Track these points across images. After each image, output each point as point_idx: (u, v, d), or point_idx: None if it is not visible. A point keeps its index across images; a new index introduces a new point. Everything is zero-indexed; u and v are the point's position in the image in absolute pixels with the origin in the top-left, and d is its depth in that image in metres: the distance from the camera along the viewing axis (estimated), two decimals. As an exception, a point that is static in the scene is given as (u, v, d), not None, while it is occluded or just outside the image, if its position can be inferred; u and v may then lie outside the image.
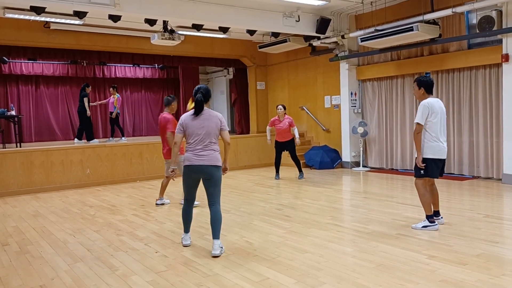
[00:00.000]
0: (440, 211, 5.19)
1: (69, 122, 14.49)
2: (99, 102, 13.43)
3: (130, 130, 15.77)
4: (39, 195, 8.32)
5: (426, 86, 4.90)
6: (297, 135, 9.17)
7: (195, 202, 7.03)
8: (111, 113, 12.13)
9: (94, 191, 8.62)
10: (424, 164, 4.81)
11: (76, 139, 11.39)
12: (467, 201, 6.54)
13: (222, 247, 4.33)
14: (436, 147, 4.80)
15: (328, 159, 10.71)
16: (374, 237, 4.70)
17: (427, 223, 4.93)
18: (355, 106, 10.63)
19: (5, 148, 9.54)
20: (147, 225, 5.63)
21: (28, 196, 8.30)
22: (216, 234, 4.31)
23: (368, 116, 10.59)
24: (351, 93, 10.62)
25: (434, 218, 4.99)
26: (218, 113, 4.43)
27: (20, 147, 9.82)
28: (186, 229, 4.67)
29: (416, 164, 4.89)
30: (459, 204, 6.25)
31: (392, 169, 10.06)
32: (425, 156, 4.81)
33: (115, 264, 4.11)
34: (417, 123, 4.78)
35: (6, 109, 10.85)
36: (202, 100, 4.30)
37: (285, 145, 9.26)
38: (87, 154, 9.30)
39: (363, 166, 10.53)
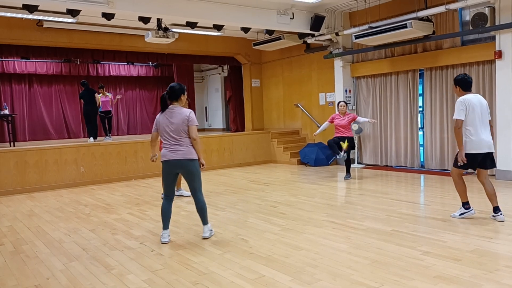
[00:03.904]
0: (434, 207, 5.23)
1: (63, 121, 14.45)
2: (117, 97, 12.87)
3: (125, 129, 15.75)
4: (33, 195, 8.28)
5: (461, 83, 5.06)
6: (366, 119, 8.97)
7: (186, 193, 7.11)
8: (108, 112, 11.82)
9: (88, 190, 8.59)
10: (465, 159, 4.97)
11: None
12: (461, 197, 6.57)
13: (211, 230, 4.82)
14: (474, 142, 4.94)
15: (323, 156, 10.74)
16: (369, 234, 4.72)
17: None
18: (349, 103, 10.65)
19: (-2, 147, 9.48)
20: (142, 224, 5.63)
21: (23, 195, 8.26)
22: (204, 221, 4.75)
23: (362, 113, 10.61)
24: (346, 90, 10.64)
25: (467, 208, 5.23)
26: (188, 110, 4.58)
27: (14, 146, 9.77)
28: (165, 225, 4.76)
29: (456, 157, 5.09)
30: (453, 200, 6.29)
31: (387, 165, 10.11)
32: (466, 151, 4.97)
33: (110, 263, 4.11)
34: (456, 119, 4.95)
35: (-1, 108, 10.79)
36: (165, 97, 4.58)
37: (343, 141, 8.56)
38: (81, 153, 9.26)
39: (358, 163, 10.57)
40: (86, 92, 11.23)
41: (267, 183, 8.61)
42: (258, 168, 11.01)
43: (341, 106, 8.76)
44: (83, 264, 4.11)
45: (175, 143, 4.50)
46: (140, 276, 3.74)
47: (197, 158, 4.58)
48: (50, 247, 4.73)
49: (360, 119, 8.88)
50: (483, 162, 5.06)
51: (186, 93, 4.68)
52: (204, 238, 4.71)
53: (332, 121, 8.74)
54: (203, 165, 4.66)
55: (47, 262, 4.22)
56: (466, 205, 5.16)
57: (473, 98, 4.97)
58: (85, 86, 11.30)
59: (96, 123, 11.40)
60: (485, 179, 5.11)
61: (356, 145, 10.49)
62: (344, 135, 8.61)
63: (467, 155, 4.97)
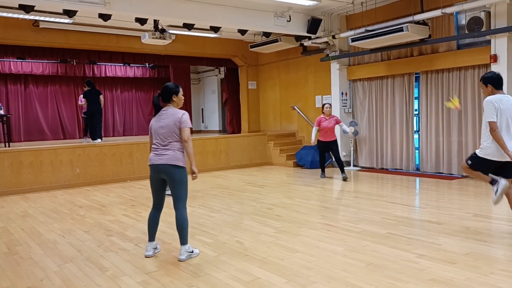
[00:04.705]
0: (429, 210, 5.23)
1: (59, 122, 14.40)
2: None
3: (121, 130, 15.72)
4: (28, 195, 8.24)
5: (493, 81, 4.45)
6: (347, 129, 9.29)
7: None
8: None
9: (83, 191, 8.55)
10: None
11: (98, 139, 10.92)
12: (456, 200, 6.60)
13: (191, 251, 4.17)
14: (493, 148, 4.35)
15: (319, 158, 10.73)
16: (364, 236, 4.72)
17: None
18: (345, 106, 10.68)
19: (-7, 147, 9.43)
20: (137, 225, 5.61)
21: (17, 196, 8.22)
22: (181, 240, 4.15)
23: (358, 115, 10.64)
24: (342, 93, 10.66)
25: None
26: (182, 111, 4.19)
27: (9, 146, 9.73)
28: (150, 237, 4.32)
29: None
30: (448, 203, 6.31)
31: (382, 168, 10.13)
32: (482, 156, 4.46)
33: (105, 265, 4.09)
34: (489, 122, 4.32)
35: (-6, 109, 10.73)
36: (154, 101, 4.31)
37: (329, 145, 9.02)
38: (76, 154, 9.22)
39: (354, 166, 10.59)
40: (91, 92, 10.89)
41: (263, 185, 8.61)
42: (254, 170, 11.00)
43: (326, 108, 9.11)
44: (77, 266, 4.09)
45: (163, 147, 4.12)
46: (135, 278, 3.72)
47: (184, 165, 4.12)
48: (44, 248, 4.71)
49: (343, 125, 9.19)
50: (502, 170, 4.47)
51: (180, 93, 4.31)
52: (180, 261, 4.08)
53: (319, 125, 9.02)
54: (194, 174, 4.14)
55: (41, 263, 4.20)
56: (492, 181, 4.48)
57: (504, 99, 4.38)
58: (91, 86, 10.97)
59: (101, 124, 11.10)
60: (509, 189, 4.46)
61: (351, 147, 10.55)
62: (329, 139, 8.99)
63: (482, 158, 4.46)
